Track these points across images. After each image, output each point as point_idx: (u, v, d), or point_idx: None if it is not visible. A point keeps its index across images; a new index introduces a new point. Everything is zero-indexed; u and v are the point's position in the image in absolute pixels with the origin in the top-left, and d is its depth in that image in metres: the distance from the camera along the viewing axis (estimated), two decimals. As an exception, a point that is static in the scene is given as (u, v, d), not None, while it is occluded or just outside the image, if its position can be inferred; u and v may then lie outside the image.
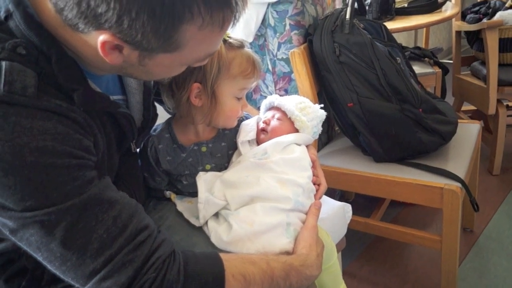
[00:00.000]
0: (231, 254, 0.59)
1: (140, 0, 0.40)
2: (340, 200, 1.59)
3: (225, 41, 0.64)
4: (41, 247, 0.45)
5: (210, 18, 0.44)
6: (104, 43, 0.44)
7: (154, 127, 0.72)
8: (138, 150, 0.72)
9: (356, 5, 1.20)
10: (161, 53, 0.46)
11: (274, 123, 0.73)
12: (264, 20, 1.19)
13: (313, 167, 0.74)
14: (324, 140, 1.35)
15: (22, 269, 0.54)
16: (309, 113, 0.74)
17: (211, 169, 0.69)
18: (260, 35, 1.22)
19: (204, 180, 0.65)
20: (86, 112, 0.50)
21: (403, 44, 2.09)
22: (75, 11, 0.42)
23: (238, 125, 0.72)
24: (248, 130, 0.72)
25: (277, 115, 0.74)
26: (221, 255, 0.55)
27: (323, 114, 0.78)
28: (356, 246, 1.42)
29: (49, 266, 0.47)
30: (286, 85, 1.25)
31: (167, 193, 0.73)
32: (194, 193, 0.68)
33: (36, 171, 0.43)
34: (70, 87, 0.47)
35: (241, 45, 0.66)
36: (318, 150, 1.26)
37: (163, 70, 0.51)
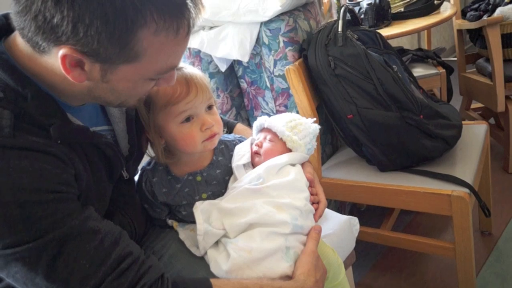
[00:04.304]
0: (223, 279, 0.59)
1: (93, 5, 0.42)
2: (351, 209, 1.59)
3: None
4: (27, 282, 0.47)
5: (164, 23, 0.46)
6: (64, 58, 0.45)
7: (148, 160, 0.73)
8: (135, 177, 0.73)
9: (349, 16, 1.20)
10: (121, 65, 0.48)
11: (266, 145, 0.73)
12: (258, 39, 1.21)
13: (311, 185, 0.74)
14: (329, 151, 1.34)
15: None
16: (300, 130, 0.73)
17: (208, 197, 0.69)
18: (255, 53, 1.24)
19: (201, 210, 0.66)
20: (67, 145, 0.51)
21: (406, 47, 2.07)
22: (33, 27, 0.44)
23: (232, 150, 0.73)
24: (241, 153, 0.72)
25: (269, 136, 0.74)
26: (212, 280, 0.56)
27: (315, 129, 0.77)
28: (370, 256, 1.39)
29: None
30: (286, 101, 1.26)
31: (169, 221, 0.74)
32: (195, 221, 0.69)
33: (13, 209, 0.44)
34: (46, 122, 0.49)
35: None
36: (323, 163, 1.26)
37: (127, 85, 0.52)
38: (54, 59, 0.47)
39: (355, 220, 0.99)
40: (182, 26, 0.48)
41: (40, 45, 0.46)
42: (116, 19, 0.43)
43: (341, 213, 1.00)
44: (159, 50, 0.48)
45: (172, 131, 0.64)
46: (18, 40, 0.50)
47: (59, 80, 0.50)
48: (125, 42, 0.45)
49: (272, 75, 1.23)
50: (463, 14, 1.83)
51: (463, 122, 1.14)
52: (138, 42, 0.46)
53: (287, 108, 1.26)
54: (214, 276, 0.63)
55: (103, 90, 0.52)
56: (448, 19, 1.53)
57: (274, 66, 1.21)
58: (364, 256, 1.38)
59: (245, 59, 1.22)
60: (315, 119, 0.78)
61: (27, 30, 0.45)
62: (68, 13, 0.42)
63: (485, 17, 1.59)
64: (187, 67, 0.67)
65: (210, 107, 0.67)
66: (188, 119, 0.64)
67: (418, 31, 1.52)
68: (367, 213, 1.58)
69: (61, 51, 0.45)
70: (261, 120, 0.76)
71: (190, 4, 0.48)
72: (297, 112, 1.13)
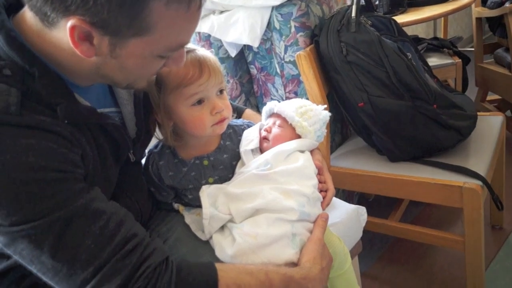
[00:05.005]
0: (228, 264, 0.59)
1: None
2: (359, 199, 1.58)
3: None
4: (34, 259, 0.47)
5: None
6: (72, 29, 0.44)
7: (156, 143, 0.73)
8: (142, 160, 0.73)
9: (363, 1, 1.17)
10: (131, 38, 0.47)
11: (275, 130, 0.72)
12: (269, 24, 1.18)
13: (319, 173, 0.72)
14: (338, 140, 1.32)
15: (34, 284, 0.56)
16: (311, 117, 0.72)
17: (215, 182, 0.69)
18: (266, 39, 1.22)
19: (208, 194, 0.65)
20: (74, 125, 0.51)
21: (421, 36, 2.01)
22: None
23: (240, 135, 0.72)
24: (250, 138, 0.71)
25: (278, 122, 0.73)
26: (217, 264, 0.56)
27: (326, 115, 0.75)
28: (376, 247, 1.38)
29: (43, 278, 0.49)
30: (296, 88, 1.24)
31: (176, 205, 0.74)
32: (201, 205, 0.69)
33: (19, 186, 0.44)
34: (53, 101, 0.49)
35: None
36: (332, 151, 1.24)
37: (136, 62, 0.51)
38: (63, 33, 0.46)
39: (362, 210, 0.98)
40: (194, 0, 0.47)
41: (48, 16, 0.45)
42: None
43: (348, 202, 0.99)
44: (170, 24, 0.47)
45: (182, 113, 0.64)
46: (27, 16, 0.49)
47: (67, 57, 0.49)
48: (136, 13, 0.44)
49: (283, 61, 1.21)
50: (483, 2, 1.76)
51: (478, 113, 1.11)
52: (149, 13, 0.45)
53: (297, 95, 1.24)
54: (218, 261, 0.62)
55: (112, 67, 0.51)
56: (467, 6, 1.47)
57: (285, 52, 1.19)
58: (370, 246, 1.37)
59: (255, 44, 1.19)
60: (325, 106, 0.77)
61: (35, 0, 0.45)
62: None
63: (507, 4, 1.53)
64: (200, 49, 0.66)
65: (221, 91, 0.66)
66: (199, 102, 0.64)
67: (435, 18, 1.48)
68: (375, 203, 1.56)
69: (70, 22, 0.44)
70: (271, 105, 0.75)
71: None
72: (307, 99, 1.11)
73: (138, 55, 0.50)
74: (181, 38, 0.51)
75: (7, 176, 0.44)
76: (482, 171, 0.97)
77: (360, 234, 0.98)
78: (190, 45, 0.64)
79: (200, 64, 0.62)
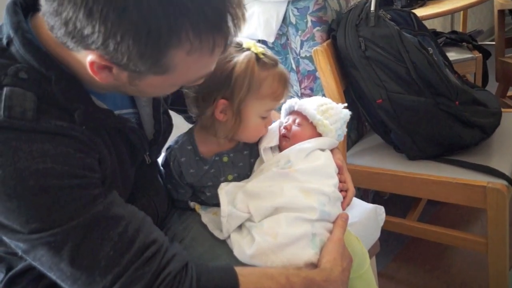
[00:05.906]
0: (248, 268, 0.58)
1: (125, 24, 0.40)
2: (374, 197, 1.55)
3: (258, 59, 0.61)
4: (53, 266, 0.46)
5: (199, 43, 0.43)
6: (92, 63, 0.44)
7: (175, 139, 0.72)
8: (160, 160, 0.72)
9: (382, -6, 1.13)
10: (150, 75, 0.46)
11: (295, 128, 0.70)
12: (285, 19, 1.16)
13: (340, 172, 0.71)
14: (354, 137, 1.30)
15: (51, 284, 0.55)
16: (332, 115, 0.71)
17: (234, 179, 0.68)
18: (282, 34, 1.20)
19: (226, 191, 0.64)
20: (92, 129, 0.50)
21: (438, 29, 1.96)
22: (62, 30, 0.42)
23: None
24: (270, 136, 0.70)
25: (298, 120, 0.71)
26: (237, 269, 0.54)
27: (346, 114, 0.74)
28: (392, 246, 1.36)
29: (62, 285, 0.48)
30: (311, 84, 1.21)
31: (192, 204, 0.73)
32: (218, 204, 0.67)
33: (37, 193, 0.44)
34: (71, 106, 0.48)
35: (274, 64, 0.64)
36: (348, 149, 1.22)
37: (154, 90, 0.52)
38: (82, 57, 0.45)
39: (381, 209, 0.96)
40: (219, 44, 0.45)
41: (68, 45, 0.44)
42: (149, 39, 0.41)
43: (363, 200, 0.97)
44: (190, 66, 0.46)
45: (251, 119, 0.64)
46: (46, 22, 0.47)
47: (84, 72, 0.48)
48: (156, 60, 0.43)
49: (298, 57, 1.19)
50: (505, -6, 1.70)
51: (502, 109, 1.07)
52: (170, 59, 0.44)
53: (312, 91, 1.22)
54: (236, 261, 0.61)
55: (130, 89, 0.50)
56: (489, -2, 1.42)
57: (301, 47, 1.16)
58: (386, 246, 1.35)
59: (270, 39, 1.17)
60: (345, 104, 0.75)
61: (56, 30, 0.43)
62: (100, 28, 0.40)
63: (530, -3, 1.48)
64: (279, 64, 0.66)
65: None
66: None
67: (455, 11, 1.43)
68: (390, 202, 1.53)
69: (90, 57, 0.43)
70: (291, 103, 0.73)
71: (230, 21, 0.44)
72: (323, 96, 1.09)
73: (157, 86, 0.49)
74: (201, 73, 0.50)
75: (25, 183, 0.43)
76: (507, 170, 0.94)
77: (378, 234, 0.96)
78: (270, 55, 0.64)
79: (285, 84, 0.66)
